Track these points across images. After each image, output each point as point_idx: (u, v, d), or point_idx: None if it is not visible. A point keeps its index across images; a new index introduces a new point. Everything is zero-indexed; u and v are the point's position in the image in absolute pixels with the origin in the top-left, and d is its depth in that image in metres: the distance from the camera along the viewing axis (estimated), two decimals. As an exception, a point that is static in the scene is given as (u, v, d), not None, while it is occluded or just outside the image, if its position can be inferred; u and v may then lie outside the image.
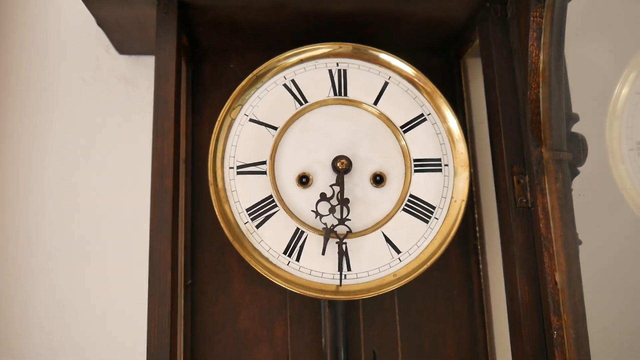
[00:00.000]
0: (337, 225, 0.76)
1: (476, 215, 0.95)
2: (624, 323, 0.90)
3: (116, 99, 1.01)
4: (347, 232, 0.77)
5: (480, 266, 0.93)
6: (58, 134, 0.99)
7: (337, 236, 0.77)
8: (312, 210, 0.77)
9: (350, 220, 0.77)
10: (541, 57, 0.72)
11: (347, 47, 0.83)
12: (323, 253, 0.75)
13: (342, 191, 0.76)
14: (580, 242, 0.77)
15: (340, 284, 0.76)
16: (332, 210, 0.76)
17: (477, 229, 0.94)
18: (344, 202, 0.77)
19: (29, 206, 0.96)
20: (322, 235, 0.77)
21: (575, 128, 0.79)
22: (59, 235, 0.95)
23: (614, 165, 0.89)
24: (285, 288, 0.75)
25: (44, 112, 1.00)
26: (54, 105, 1.00)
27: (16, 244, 0.95)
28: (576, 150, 0.78)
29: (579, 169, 0.79)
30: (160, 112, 0.78)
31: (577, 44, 0.94)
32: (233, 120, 0.81)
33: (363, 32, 0.90)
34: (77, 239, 0.95)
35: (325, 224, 0.76)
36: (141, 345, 0.74)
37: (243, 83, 0.81)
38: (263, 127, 0.80)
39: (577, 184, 0.78)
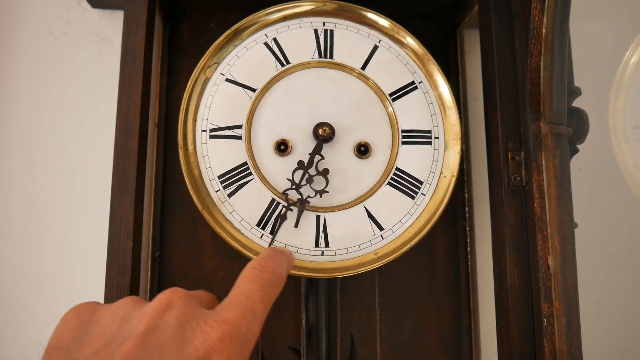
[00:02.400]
0: (314, 196, 0.70)
1: (466, 195, 0.89)
2: (619, 312, 0.86)
3: (88, 55, 0.94)
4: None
5: (469, 248, 0.88)
6: (24, 91, 0.92)
7: (315, 209, 0.71)
8: (288, 179, 0.71)
9: (328, 192, 0.71)
10: (544, 21, 0.65)
11: (331, 4, 0.77)
12: (296, 226, 0.69)
13: (310, 158, 0.70)
14: (576, 225, 0.71)
15: (318, 261, 0.70)
16: (309, 180, 0.70)
17: (467, 209, 0.89)
18: (323, 172, 0.71)
19: (-10, 167, 0.90)
20: (298, 207, 0.71)
21: (577, 103, 0.73)
22: (21, 196, 0.89)
23: (616, 144, 0.83)
24: (257, 263, 0.69)
25: (7, 67, 0.93)
26: (19, 60, 0.93)
27: (-27, 207, 0.89)
28: (576, 126, 0.72)
29: (579, 147, 0.73)
30: (128, 66, 0.71)
31: (582, 13, 0.88)
32: (208, 79, 0.74)
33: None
34: (42, 201, 0.89)
35: (301, 194, 0.70)
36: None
37: (220, 39, 0.74)
38: (240, 88, 0.74)
39: (575, 162, 0.73)
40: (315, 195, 0.71)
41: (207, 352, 0.41)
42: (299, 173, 0.71)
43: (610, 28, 0.90)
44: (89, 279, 0.87)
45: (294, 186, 0.70)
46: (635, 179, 0.82)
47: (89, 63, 0.94)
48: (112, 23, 0.95)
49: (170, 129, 0.87)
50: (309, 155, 0.71)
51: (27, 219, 0.89)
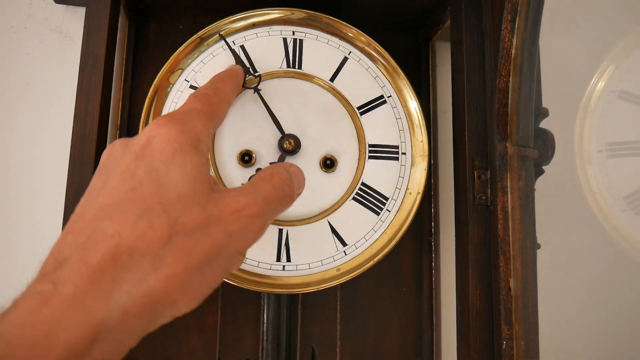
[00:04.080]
0: None
1: (433, 210, 0.89)
2: (579, 337, 0.86)
3: (49, 52, 0.91)
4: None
5: (433, 264, 0.87)
6: (-20, 87, 0.88)
7: (278, 223, 0.69)
8: (243, 184, 0.69)
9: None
10: (514, 42, 0.65)
11: (300, 13, 0.75)
12: None
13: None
14: (539, 247, 0.71)
15: (279, 276, 0.69)
16: None
17: (433, 224, 0.88)
18: None
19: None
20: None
21: (544, 124, 0.73)
22: (-29, 200, 0.85)
23: (581, 167, 0.84)
24: (216, 276, 0.67)
25: (-36, 61, 0.89)
26: (-22, 54, 0.89)
27: None
28: (543, 148, 0.72)
29: (544, 168, 0.73)
30: (88, 68, 0.68)
31: (551, 34, 0.88)
32: (171, 85, 0.72)
33: (325, 2, 0.82)
34: (-7, 206, 0.86)
35: None
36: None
37: (185, 44, 0.72)
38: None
39: (540, 184, 0.73)
40: None
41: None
42: None
43: (580, 50, 0.91)
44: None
45: None
46: (598, 202, 0.83)
47: (50, 60, 0.90)
48: (77, 19, 0.92)
49: (132, 132, 0.84)
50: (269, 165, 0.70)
51: (-21, 221, 0.85)
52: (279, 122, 0.70)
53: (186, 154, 0.44)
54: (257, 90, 0.71)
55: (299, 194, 0.53)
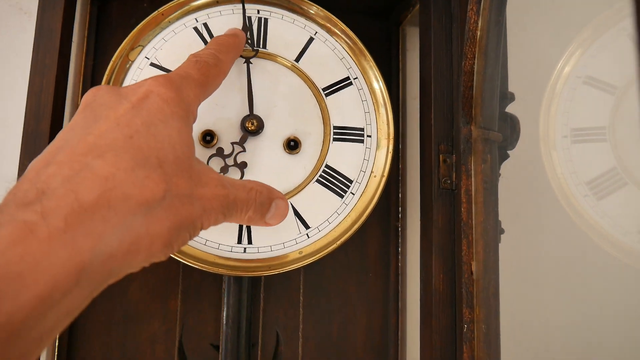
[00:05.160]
0: None
1: (400, 195, 0.88)
2: (542, 321, 0.87)
3: (8, 29, 0.88)
4: None
5: (400, 249, 0.87)
6: None
7: (239, 204, 0.68)
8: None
9: None
10: (479, 24, 0.64)
11: (265, -10, 0.74)
12: None
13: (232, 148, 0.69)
14: (502, 231, 0.71)
15: (240, 258, 0.68)
16: (224, 169, 0.67)
17: (400, 209, 0.88)
18: (240, 165, 0.68)
19: None
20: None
21: (510, 108, 0.73)
22: None
23: (546, 152, 0.84)
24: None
25: None
26: None
27: None
28: (507, 132, 0.72)
29: (509, 152, 0.73)
30: (42, 44, 0.66)
31: (518, 17, 0.88)
32: (131, 62, 0.70)
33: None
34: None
35: None
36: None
37: (146, 21, 0.70)
38: (165, 73, 0.70)
39: (505, 168, 0.73)
40: None
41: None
42: (217, 161, 0.68)
43: (547, 34, 0.91)
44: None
45: None
46: (562, 187, 0.83)
47: (10, 37, 0.87)
48: (37, -5, 0.89)
49: (94, 113, 0.82)
50: (230, 145, 0.68)
51: None
52: (252, 100, 0.69)
53: (182, 119, 0.46)
54: (248, 61, 0.70)
55: (269, 224, 0.55)
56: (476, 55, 0.66)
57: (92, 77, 0.83)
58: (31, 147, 0.64)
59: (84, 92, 0.81)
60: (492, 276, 0.66)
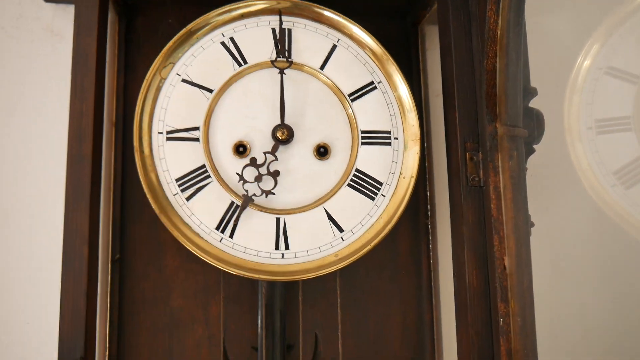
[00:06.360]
0: (259, 195, 0.70)
1: (428, 193, 0.90)
2: (574, 311, 0.88)
3: (41, 52, 0.91)
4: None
5: (430, 246, 0.89)
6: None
7: (275, 212, 0.71)
8: (237, 173, 0.70)
9: (274, 194, 0.71)
10: (499, 23, 0.66)
11: (285, 2, 0.76)
12: (236, 222, 0.69)
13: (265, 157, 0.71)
14: (532, 225, 0.72)
15: (278, 264, 0.70)
16: (258, 178, 0.70)
17: (429, 207, 0.89)
18: (273, 174, 0.70)
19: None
20: (259, 210, 0.70)
21: (533, 103, 0.74)
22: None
23: (571, 144, 0.85)
24: (218, 266, 0.69)
25: (-43, 64, 0.89)
26: (-30, 57, 0.90)
27: None
28: (532, 127, 0.73)
29: (535, 146, 0.74)
30: (80, 69, 0.69)
31: (537, 14, 0.88)
32: (163, 79, 0.73)
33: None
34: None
35: (246, 191, 0.70)
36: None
37: (175, 39, 0.73)
38: (197, 89, 0.73)
39: (532, 162, 0.74)
40: (262, 194, 0.70)
41: None
42: (251, 170, 0.70)
43: (565, 29, 0.91)
44: (44, 284, 0.85)
45: (240, 181, 0.70)
46: (589, 178, 0.84)
47: (42, 60, 0.91)
48: (67, 18, 0.92)
49: (128, 127, 0.85)
50: (263, 154, 0.71)
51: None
52: (284, 109, 0.71)
53: None
54: (282, 72, 0.72)
55: None
56: (498, 54, 0.67)
57: (124, 94, 0.86)
58: (76, 168, 0.67)
59: (117, 109, 0.84)
60: (525, 270, 0.67)
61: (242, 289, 0.83)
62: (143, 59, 0.87)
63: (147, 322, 0.82)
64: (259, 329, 0.76)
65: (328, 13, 0.77)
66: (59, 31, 0.92)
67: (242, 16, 0.75)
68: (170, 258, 0.83)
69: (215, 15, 0.74)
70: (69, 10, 0.92)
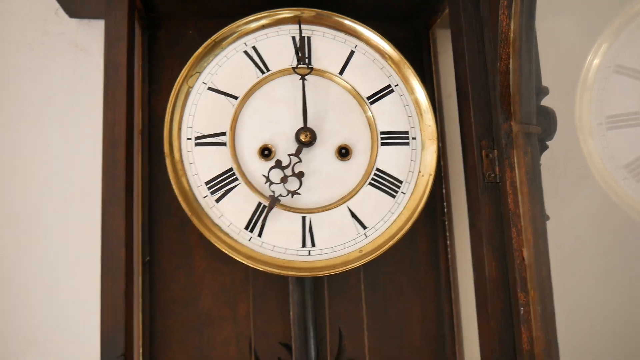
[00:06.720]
0: (285, 196, 0.73)
1: (444, 190, 0.93)
2: (591, 301, 0.91)
3: (66, 66, 0.95)
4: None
5: (448, 242, 0.92)
6: (4, 106, 0.92)
7: (301, 211, 0.74)
8: (263, 175, 0.74)
9: (300, 194, 0.74)
10: (512, 27, 0.69)
11: (309, 12, 0.79)
12: (264, 222, 0.73)
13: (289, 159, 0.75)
14: (548, 218, 0.75)
15: (305, 260, 0.73)
16: (283, 180, 0.73)
17: (445, 204, 0.93)
18: (298, 175, 0.74)
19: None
20: (286, 210, 0.74)
21: (545, 102, 0.77)
22: (4, 209, 0.90)
23: (583, 140, 0.88)
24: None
25: (-13, 79, 0.93)
26: (-1, 72, 0.93)
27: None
28: (545, 124, 0.76)
29: (548, 143, 0.77)
30: (112, 79, 0.73)
31: (547, 15, 0.92)
32: (190, 88, 0.76)
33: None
34: (25, 214, 0.90)
35: (273, 192, 0.73)
36: (95, 327, 0.71)
37: (200, 49, 0.76)
38: (222, 96, 0.76)
39: (545, 158, 0.77)
40: (288, 195, 0.73)
41: None
42: (276, 172, 0.74)
43: (575, 28, 0.94)
44: (84, 284, 0.88)
45: (266, 182, 0.73)
46: (601, 172, 0.87)
47: (68, 73, 0.94)
48: (90, 32, 0.96)
49: (154, 135, 0.88)
50: (288, 157, 0.74)
51: (10, 229, 0.89)
52: (306, 113, 0.75)
53: None
54: (303, 79, 0.76)
55: None
56: (511, 56, 0.71)
57: (149, 104, 0.89)
58: (111, 174, 0.70)
59: (144, 118, 0.88)
60: (543, 260, 0.70)
61: (268, 288, 0.86)
62: (166, 70, 0.90)
63: (177, 321, 0.85)
64: (292, 325, 0.79)
65: (347, 22, 0.80)
66: (83, 46, 0.96)
67: (264, 26, 0.79)
68: (198, 259, 0.87)
69: (240, 25, 0.78)
70: (93, 25, 0.96)
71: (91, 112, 0.93)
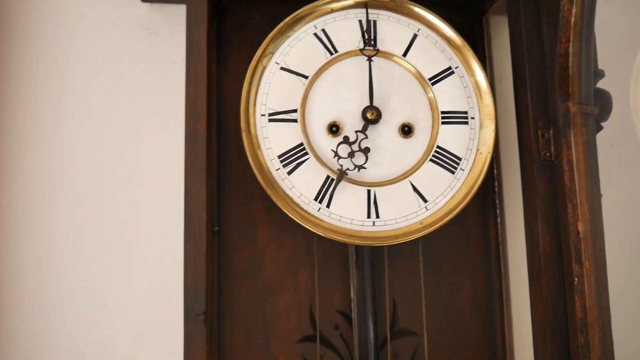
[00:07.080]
0: (352, 169, 0.78)
1: (495, 171, 0.97)
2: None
3: (138, 48, 1.00)
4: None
5: (498, 219, 0.96)
6: (77, 84, 0.98)
7: (366, 184, 0.79)
8: (332, 150, 0.78)
9: (366, 168, 0.79)
10: (573, 11, 0.73)
11: (376, -3, 0.84)
12: (332, 193, 0.78)
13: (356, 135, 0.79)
14: (601, 196, 0.79)
15: (370, 230, 0.78)
16: (351, 154, 0.78)
17: (496, 183, 0.97)
18: (364, 150, 0.79)
19: (51, 157, 0.96)
20: (352, 183, 0.79)
21: (601, 84, 0.81)
22: (80, 184, 0.96)
23: (637, 122, 0.91)
24: (311, 236, 0.77)
25: (62, 61, 0.99)
26: (73, 54, 0.99)
27: (38, 195, 0.95)
28: (601, 106, 0.80)
29: (602, 124, 0.81)
30: (193, 56, 0.78)
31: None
32: (264, 68, 0.81)
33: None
34: (100, 186, 0.96)
35: (341, 165, 0.78)
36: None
37: (274, 31, 0.81)
38: (294, 75, 0.81)
39: (599, 139, 0.80)
40: (354, 169, 0.78)
41: None
42: (344, 147, 0.79)
43: (630, 11, 0.97)
44: (163, 252, 0.94)
45: (335, 157, 0.78)
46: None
47: (140, 55, 1.00)
48: (161, 16, 1.01)
49: (222, 114, 0.93)
50: (354, 133, 0.79)
51: (90, 205, 0.96)
52: (372, 93, 0.79)
53: None
54: (370, 59, 0.81)
55: None
56: (571, 39, 0.74)
57: (217, 85, 0.95)
58: (192, 143, 0.76)
59: (212, 98, 0.93)
60: (598, 233, 0.74)
61: (329, 259, 0.91)
62: (233, 53, 0.96)
63: (243, 290, 0.90)
64: (352, 295, 0.84)
65: (411, 6, 0.85)
66: (154, 29, 1.01)
67: (332, 10, 0.84)
68: (262, 230, 0.92)
69: (311, 8, 0.82)
70: (164, 8, 1.02)
71: (159, 90, 0.99)
